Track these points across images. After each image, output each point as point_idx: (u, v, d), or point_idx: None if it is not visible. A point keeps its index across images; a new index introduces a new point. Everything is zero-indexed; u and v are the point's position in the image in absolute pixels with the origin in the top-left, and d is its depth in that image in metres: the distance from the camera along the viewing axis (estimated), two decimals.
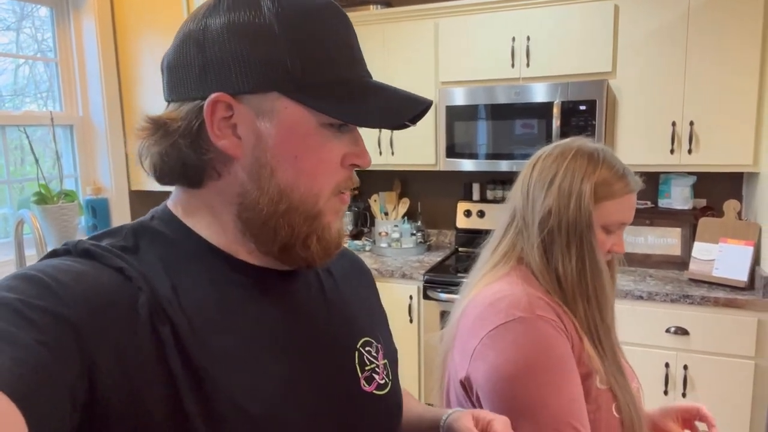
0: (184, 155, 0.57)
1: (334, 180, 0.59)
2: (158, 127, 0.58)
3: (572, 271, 0.94)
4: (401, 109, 0.58)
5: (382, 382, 0.68)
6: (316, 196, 0.58)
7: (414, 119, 0.60)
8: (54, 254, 0.55)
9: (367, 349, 0.68)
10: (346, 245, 0.80)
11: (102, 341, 0.47)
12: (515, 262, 0.99)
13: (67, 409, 0.43)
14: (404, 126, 0.62)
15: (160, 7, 2.14)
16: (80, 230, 2.19)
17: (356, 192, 3.27)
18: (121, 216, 2.29)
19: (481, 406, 0.92)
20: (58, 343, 0.44)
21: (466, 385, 0.94)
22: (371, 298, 0.79)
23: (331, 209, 0.60)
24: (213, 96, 0.54)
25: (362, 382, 0.66)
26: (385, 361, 0.71)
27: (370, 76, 0.61)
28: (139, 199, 2.37)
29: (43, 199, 1.98)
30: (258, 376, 0.55)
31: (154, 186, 2.38)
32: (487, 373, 0.87)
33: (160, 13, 2.15)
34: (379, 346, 0.71)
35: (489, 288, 0.96)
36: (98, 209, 2.23)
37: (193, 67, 0.56)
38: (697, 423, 1.07)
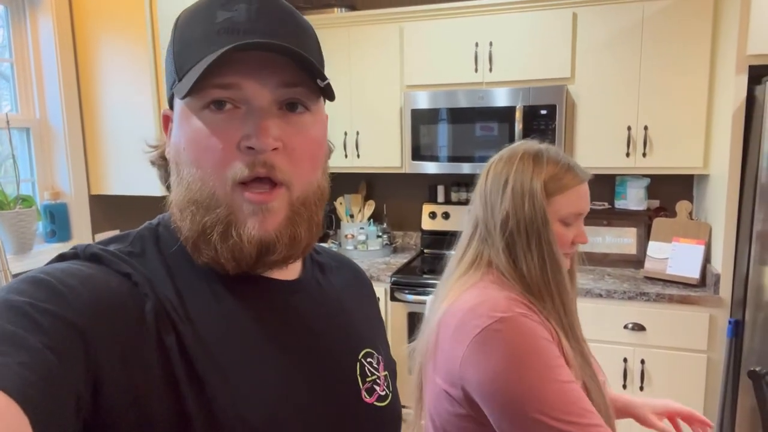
0: (160, 172, 0.66)
1: (225, 166, 0.54)
2: (152, 149, 0.66)
3: (535, 267, 0.98)
4: (212, 53, 0.52)
5: (383, 393, 0.68)
6: (207, 183, 0.55)
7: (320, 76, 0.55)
8: (62, 258, 0.55)
9: (368, 360, 0.68)
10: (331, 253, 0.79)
11: (108, 346, 0.47)
12: (485, 268, 1.02)
13: (72, 413, 0.43)
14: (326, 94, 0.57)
15: (121, 6, 2.09)
16: (38, 236, 2.12)
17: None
18: (81, 221, 2.23)
19: (472, 413, 0.93)
20: (65, 348, 0.44)
21: (453, 396, 0.95)
22: (372, 309, 0.80)
23: (238, 206, 0.55)
24: (163, 110, 0.64)
25: (363, 393, 0.65)
26: (386, 372, 0.71)
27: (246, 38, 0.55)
28: (100, 204, 2.30)
29: None
30: (259, 386, 0.55)
31: (116, 190, 2.29)
32: (481, 378, 0.88)
33: (121, 13, 2.10)
34: (380, 357, 0.71)
35: (464, 295, 0.98)
36: (57, 215, 2.16)
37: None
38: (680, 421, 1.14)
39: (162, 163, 0.64)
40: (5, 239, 1.91)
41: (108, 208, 2.33)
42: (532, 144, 1.06)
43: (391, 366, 0.75)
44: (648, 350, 2.36)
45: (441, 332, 0.97)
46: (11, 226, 1.92)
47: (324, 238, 3.32)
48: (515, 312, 0.90)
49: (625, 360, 2.38)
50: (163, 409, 0.49)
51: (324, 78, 0.56)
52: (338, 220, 3.31)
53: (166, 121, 0.63)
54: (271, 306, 0.62)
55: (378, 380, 0.68)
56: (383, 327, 0.82)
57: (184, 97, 0.55)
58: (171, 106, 0.61)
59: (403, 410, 0.77)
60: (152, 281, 0.54)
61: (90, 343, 0.46)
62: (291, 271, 0.65)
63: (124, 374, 0.48)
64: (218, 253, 0.56)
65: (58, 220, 2.16)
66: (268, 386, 0.56)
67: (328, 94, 0.57)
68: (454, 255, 1.10)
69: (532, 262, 0.98)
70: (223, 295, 0.58)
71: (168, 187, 0.63)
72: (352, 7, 3.04)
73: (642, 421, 1.16)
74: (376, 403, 0.66)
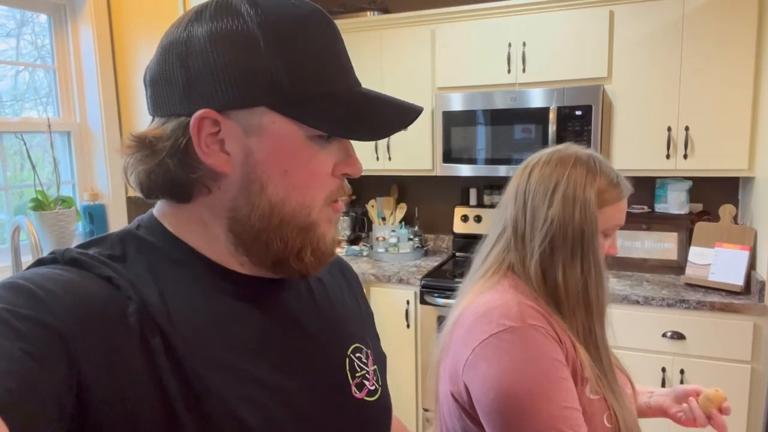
0: (172, 174, 0.56)
1: (326, 191, 0.59)
2: (144, 145, 0.56)
3: (576, 280, 0.94)
4: (392, 120, 0.58)
5: (372, 388, 0.68)
6: (309, 208, 0.58)
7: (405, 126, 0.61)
8: (40, 263, 0.54)
9: (357, 355, 0.69)
10: (342, 252, 0.79)
11: (90, 351, 0.47)
12: (505, 270, 1.00)
13: (54, 419, 0.43)
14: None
15: (157, 14, 2.15)
16: (77, 236, 2.19)
17: (354, 197, 3.27)
18: (118, 222, 2.30)
19: (473, 417, 0.92)
20: (45, 353, 0.44)
21: (456, 397, 0.94)
22: (359, 302, 0.80)
23: (324, 219, 0.60)
24: (199, 113, 0.53)
25: (353, 388, 0.66)
26: (375, 367, 0.71)
27: (359, 84, 0.60)
28: (136, 205, 2.37)
29: (39, 205, 1.98)
30: (249, 385, 0.55)
31: None
32: (480, 383, 0.87)
33: (157, 20, 2.16)
34: (369, 352, 0.71)
35: (481, 297, 0.96)
36: (95, 215, 2.23)
37: (177, 82, 0.55)
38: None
39: (179, 166, 0.55)
40: (45, 239, 1.98)
41: (144, 210, 2.39)
42: (579, 149, 1.02)
43: (380, 360, 0.74)
44: (688, 360, 2.27)
45: (455, 333, 0.96)
46: (51, 226, 1.99)
47: (356, 241, 3.32)
48: (526, 323, 0.88)
49: (663, 370, 2.29)
50: (152, 412, 0.49)
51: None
52: (370, 223, 3.31)
53: (203, 124, 0.54)
54: (260, 304, 0.61)
55: (367, 375, 0.68)
56: (372, 319, 0.82)
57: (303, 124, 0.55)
58: (218, 108, 0.53)
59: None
60: (135, 284, 0.53)
61: (71, 347, 0.46)
62: None
63: (108, 378, 0.47)
64: (307, 266, 0.60)
65: (96, 220, 2.23)
66: (259, 385, 0.56)
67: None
68: (479, 253, 1.07)
69: (573, 273, 0.95)
70: (210, 295, 0.58)
71: (165, 189, 0.57)
72: (385, 10, 3.04)
73: (673, 418, 1.10)
74: (366, 398, 0.67)
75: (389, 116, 0.58)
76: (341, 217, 3.02)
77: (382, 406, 0.70)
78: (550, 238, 0.95)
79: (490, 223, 1.08)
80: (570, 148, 1.02)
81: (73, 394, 0.45)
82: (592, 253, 0.95)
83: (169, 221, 0.61)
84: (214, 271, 0.59)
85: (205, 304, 0.57)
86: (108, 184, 2.27)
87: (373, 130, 0.57)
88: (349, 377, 0.66)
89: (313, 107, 0.54)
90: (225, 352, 0.55)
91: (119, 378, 0.48)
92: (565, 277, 0.94)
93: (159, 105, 0.57)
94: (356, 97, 0.58)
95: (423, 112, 0.61)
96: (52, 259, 0.54)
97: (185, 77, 0.54)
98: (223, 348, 0.55)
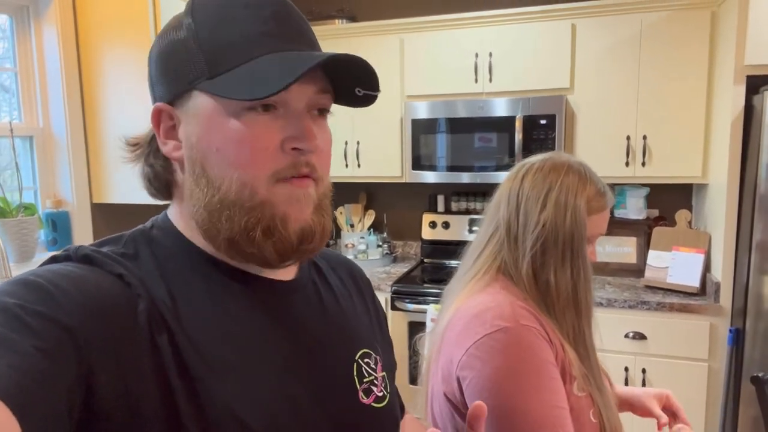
0: (152, 170, 0.62)
1: (270, 167, 0.56)
2: (128, 148, 0.64)
3: (566, 282, 0.98)
4: (293, 69, 0.52)
5: (380, 394, 0.68)
6: (248, 185, 0.55)
7: (372, 86, 0.60)
8: (54, 260, 0.55)
9: (365, 360, 0.68)
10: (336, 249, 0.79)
11: (100, 348, 0.47)
12: (495, 272, 1.02)
13: (63, 415, 0.43)
14: (370, 98, 0.61)
15: (125, 16, 2.11)
16: (40, 244, 2.12)
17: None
18: (83, 230, 2.23)
19: (465, 416, 0.93)
20: (56, 350, 0.44)
21: (449, 397, 0.95)
22: (370, 307, 0.79)
23: (282, 198, 0.56)
24: (154, 106, 0.59)
25: (360, 394, 0.65)
26: (384, 373, 0.70)
27: (300, 49, 0.57)
28: (102, 212, 2.31)
29: (1, 212, 1.91)
30: (255, 387, 0.55)
31: (117, 198, 2.31)
32: (475, 382, 0.89)
33: (125, 22, 2.12)
34: (378, 357, 0.71)
35: (473, 299, 0.98)
36: (59, 223, 2.16)
37: (150, 86, 0.62)
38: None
39: (156, 162, 0.61)
40: (7, 247, 1.91)
41: (109, 217, 2.34)
42: (571, 158, 1.06)
43: (390, 366, 0.74)
44: (649, 359, 2.36)
45: (447, 334, 0.98)
46: (13, 233, 1.93)
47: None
48: (519, 324, 0.91)
49: (626, 369, 2.38)
50: (157, 410, 0.49)
51: (378, 89, 0.61)
52: (338, 230, 3.31)
53: (160, 116, 0.59)
54: (268, 306, 0.61)
55: (375, 381, 0.68)
56: (385, 323, 0.81)
57: (226, 98, 0.54)
58: (167, 101, 0.58)
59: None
60: (145, 282, 0.54)
61: (81, 344, 0.46)
62: (288, 272, 0.65)
63: (116, 375, 0.47)
64: (261, 249, 0.56)
65: (60, 228, 2.17)
66: (265, 387, 0.56)
67: (366, 101, 0.63)
68: (469, 253, 1.09)
69: (563, 275, 0.98)
70: (220, 296, 0.58)
71: (159, 187, 0.63)
72: (353, 19, 3.07)
73: (642, 410, 1.15)
74: (373, 404, 0.66)
75: (293, 65, 0.53)
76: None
77: (390, 413, 0.69)
78: (542, 241, 0.98)
79: (481, 224, 1.10)
80: (562, 156, 1.06)
81: (82, 390, 0.45)
82: (581, 257, 0.99)
83: (176, 220, 0.62)
84: (221, 271, 0.60)
85: (213, 305, 0.57)
86: (72, 191, 2.20)
87: (271, 84, 0.52)
88: (357, 382, 0.65)
89: (226, 79, 0.55)
90: (230, 353, 0.55)
91: (126, 374, 0.48)
92: (556, 279, 0.98)
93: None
94: (268, 58, 0.55)
95: (373, 105, 0.62)
96: (66, 257, 0.55)
97: (149, 80, 0.62)
98: (228, 349, 0.55)
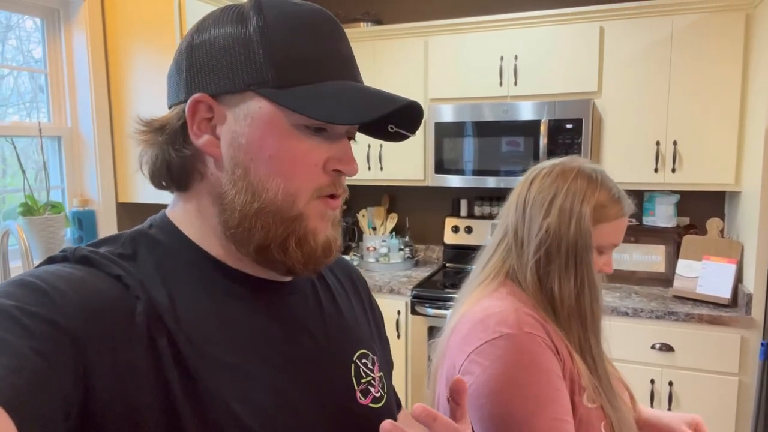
0: (167, 156, 0.59)
1: (314, 183, 0.58)
2: (148, 129, 0.60)
3: (570, 291, 0.95)
4: (373, 106, 0.55)
5: (378, 395, 0.68)
6: (293, 196, 0.57)
7: (410, 128, 0.61)
8: (51, 261, 0.55)
9: (363, 361, 0.68)
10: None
11: (98, 350, 0.47)
12: (503, 278, 1.00)
13: (60, 417, 0.43)
14: (399, 137, 0.62)
15: (152, 20, 2.15)
16: (66, 242, 2.16)
17: (345, 207, 3.26)
18: (108, 228, 2.27)
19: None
20: (54, 351, 0.44)
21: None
22: (368, 308, 0.79)
23: (315, 213, 0.58)
24: (193, 96, 0.56)
25: (358, 395, 0.66)
26: (381, 373, 0.70)
27: (358, 81, 0.60)
28: (127, 211, 2.35)
29: (29, 210, 1.96)
30: (254, 389, 0.55)
31: (142, 198, 2.34)
32: (473, 388, 0.87)
33: (152, 26, 2.15)
34: (375, 358, 0.71)
35: (479, 304, 0.96)
36: (85, 221, 2.20)
37: (182, 73, 0.59)
38: None
39: (186, 152, 0.59)
40: (34, 244, 1.95)
41: (134, 216, 2.38)
42: (584, 162, 1.02)
43: (386, 366, 0.75)
44: (676, 372, 2.29)
45: (452, 339, 0.96)
46: (40, 231, 1.97)
47: (346, 251, 3.32)
48: (522, 331, 0.88)
49: (652, 381, 2.31)
50: (157, 413, 0.49)
51: (414, 133, 0.63)
52: (360, 233, 3.31)
53: (197, 108, 0.57)
54: (267, 307, 0.61)
55: (373, 381, 0.68)
56: (382, 325, 0.81)
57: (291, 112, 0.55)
58: (211, 93, 0.56)
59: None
60: (144, 283, 0.54)
61: (79, 346, 0.46)
62: None
63: (114, 377, 0.47)
64: (291, 258, 0.58)
65: (85, 226, 2.21)
66: (263, 387, 0.56)
67: (393, 138, 0.64)
68: (480, 259, 1.08)
69: (567, 285, 0.95)
70: (219, 297, 0.58)
71: (178, 178, 0.60)
72: (378, 22, 3.07)
73: None
74: (371, 404, 0.66)
75: (370, 103, 0.56)
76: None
77: (387, 414, 0.69)
78: (545, 247, 0.96)
79: (492, 230, 1.08)
80: (575, 161, 1.02)
81: (80, 392, 0.45)
82: (585, 267, 0.95)
83: (176, 216, 0.62)
84: (220, 272, 0.60)
85: (212, 306, 0.57)
86: (98, 190, 2.24)
87: (349, 114, 0.54)
88: (355, 383, 0.66)
89: (296, 94, 0.55)
90: (229, 354, 0.55)
91: (125, 377, 0.48)
92: (560, 288, 0.95)
93: (169, 96, 0.61)
94: (345, 86, 0.57)
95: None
96: (63, 257, 0.54)
97: (188, 67, 0.58)
98: (227, 350, 0.55)
